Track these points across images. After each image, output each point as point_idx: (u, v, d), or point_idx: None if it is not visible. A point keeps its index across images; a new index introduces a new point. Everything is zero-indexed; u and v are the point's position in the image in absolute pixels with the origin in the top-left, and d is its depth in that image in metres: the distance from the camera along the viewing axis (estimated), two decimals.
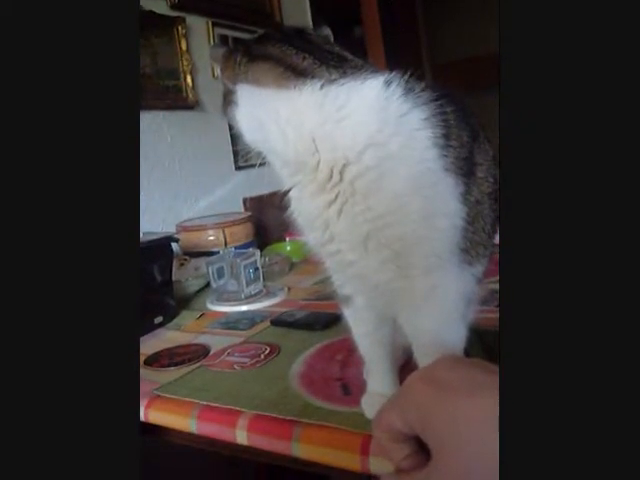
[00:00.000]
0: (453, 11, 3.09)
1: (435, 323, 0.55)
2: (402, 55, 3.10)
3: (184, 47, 1.75)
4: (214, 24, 1.94)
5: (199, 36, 1.87)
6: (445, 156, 0.50)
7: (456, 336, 0.56)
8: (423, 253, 0.52)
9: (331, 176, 0.51)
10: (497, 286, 0.97)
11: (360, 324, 0.62)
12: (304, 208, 0.56)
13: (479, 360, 0.41)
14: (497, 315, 0.81)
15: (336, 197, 0.51)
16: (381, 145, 0.49)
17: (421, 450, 0.38)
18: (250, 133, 0.55)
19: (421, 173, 0.50)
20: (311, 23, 2.67)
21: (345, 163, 0.50)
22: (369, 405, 0.60)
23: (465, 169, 0.52)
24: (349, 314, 0.63)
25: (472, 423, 0.33)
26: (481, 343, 0.69)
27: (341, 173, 0.50)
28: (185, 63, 1.76)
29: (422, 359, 0.56)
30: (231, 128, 0.58)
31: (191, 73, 1.79)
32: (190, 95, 1.78)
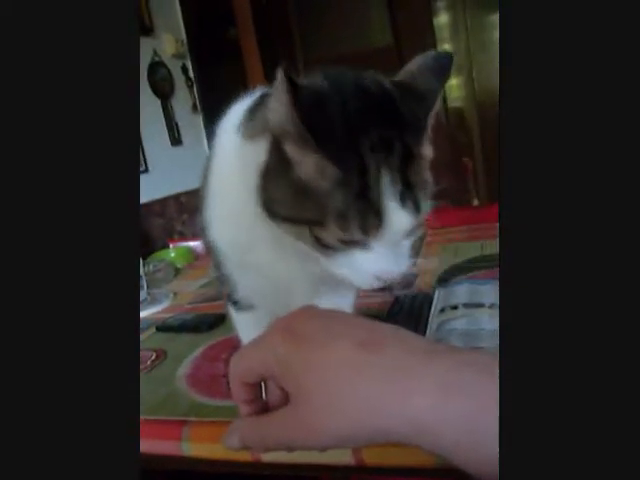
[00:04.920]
0: (325, 9, 3.17)
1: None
2: (277, 55, 3.14)
3: None
4: None
5: None
6: None
7: None
8: None
9: None
10: None
11: (255, 328, 0.61)
12: None
13: (337, 311, 0.43)
14: (377, 299, 0.87)
15: None
16: None
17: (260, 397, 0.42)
18: None
19: None
20: (182, 25, 2.64)
21: None
22: None
23: None
24: (244, 319, 0.64)
25: (326, 370, 0.36)
26: None
27: None
28: None
29: None
30: None
31: None
32: None
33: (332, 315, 0.41)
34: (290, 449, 0.39)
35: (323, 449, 0.37)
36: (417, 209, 0.45)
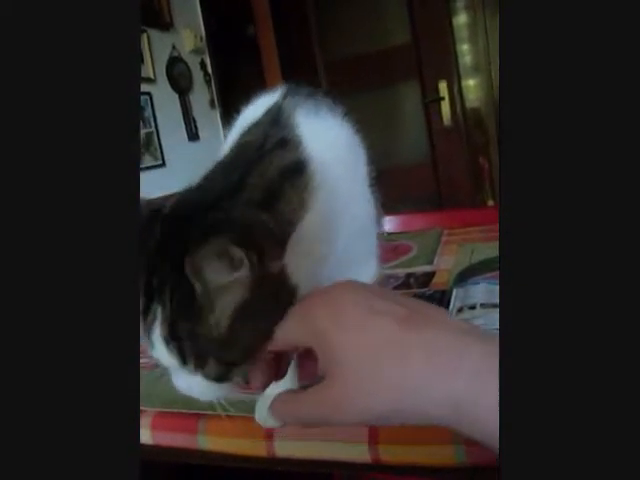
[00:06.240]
0: (343, 8, 3.17)
1: None
2: (295, 53, 3.15)
3: None
4: None
5: None
6: None
7: None
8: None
9: None
10: (391, 271, 1.03)
11: None
12: None
13: (378, 287, 0.42)
14: None
15: None
16: None
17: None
18: None
19: None
20: (202, 22, 2.65)
21: None
22: (260, 409, 0.58)
23: None
24: None
25: (367, 347, 0.35)
26: None
27: None
28: None
29: None
30: None
31: None
32: None
33: (374, 291, 0.40)
34: (325, 425, 0.38)
35: (357, 425, 0.36)
36: (183, 360, 0.41)
